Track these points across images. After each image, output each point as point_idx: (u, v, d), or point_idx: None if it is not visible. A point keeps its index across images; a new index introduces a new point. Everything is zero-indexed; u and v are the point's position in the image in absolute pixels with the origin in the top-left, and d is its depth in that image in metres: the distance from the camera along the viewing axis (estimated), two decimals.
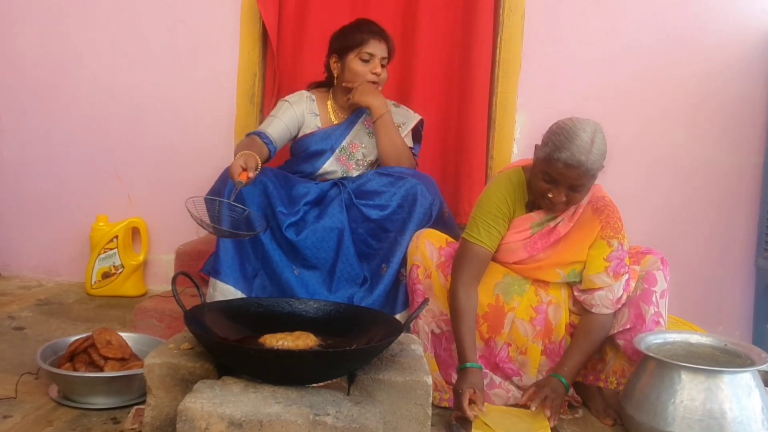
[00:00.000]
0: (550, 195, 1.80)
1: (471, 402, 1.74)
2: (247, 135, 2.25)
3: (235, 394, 1.32)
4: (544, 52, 2.83)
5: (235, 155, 2.02)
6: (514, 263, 1.97)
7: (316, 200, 2.22)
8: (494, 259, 1.98)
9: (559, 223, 1.92)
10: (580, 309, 1.94)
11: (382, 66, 2.31)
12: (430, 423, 1.46)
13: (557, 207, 1.86)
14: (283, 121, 2.29)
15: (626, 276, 1.89)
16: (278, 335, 1.52)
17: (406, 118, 2.42)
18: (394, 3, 2.88)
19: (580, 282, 1.92)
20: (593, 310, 1.89)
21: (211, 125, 2.96)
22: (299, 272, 2.14)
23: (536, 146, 1.85)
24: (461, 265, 1.91)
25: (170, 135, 2.99)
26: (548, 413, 1.78)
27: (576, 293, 1.94)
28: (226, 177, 2.13)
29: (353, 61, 2.29)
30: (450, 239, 2.05)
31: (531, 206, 1.95)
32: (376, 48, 2.28)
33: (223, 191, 2.13)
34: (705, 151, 2.84)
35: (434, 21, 2.85)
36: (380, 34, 2.30)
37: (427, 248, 2.00)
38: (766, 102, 2.80)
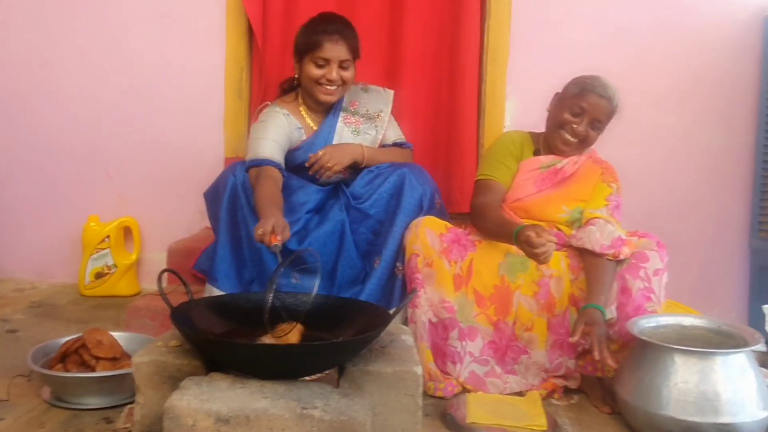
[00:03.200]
0: (575, 125, 2.04)
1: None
2: (257, 163, 2.09)
3: (223, 389, 1.31)
4: (532, 37, 2.80)
5: (257, 202, 1.94)
6: (525, 197, 2.10)
7: (316, 208, 2.17)
8: (505, 200, 2.12)
9: (564, 165, 2.10)
10: (580, 279, 1.97)
11: (344, 68, 2.17)
12: (421, 413, 1.45)
13: (572, 143, 2.07)
14: (278, 142, 2.16)
15: (619, 225, 2.00)
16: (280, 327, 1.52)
17: (382, 104, 2.33)
18: None
19: (579, 225, 2.05)
20: (579, 243, 1.98)
21: (199, 121, 2.94)
22: (299, 279, 2.10)
23: (557, 93, 2.13)
24: (477, 197, 2.11)
25: (159, 132, 2.97)
26: (596, 352, 1.76)
27: (573, 233, 2.04)
28: (225, 180, 2.11)
29: (308, 66, 2.16)
30: (450, 225, 2.05)
31: (537, 154, 2.16)
32: (331, 51, 2.13)
33: (222, 193, 2.10)
34: (697, 131, 2.82)
35: (421, 9, 2.81)
36: (338, 33, 2.14)
37: (428, 236, 1.98)
38: (757, 81, 2.77)
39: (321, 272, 1.70)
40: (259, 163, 2.10)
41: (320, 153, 2.12)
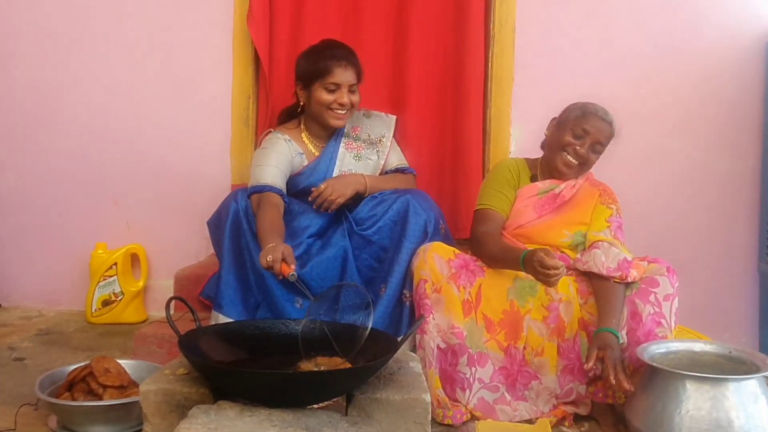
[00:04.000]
0: (577, 147, 2.05)
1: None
2: (259, 189, 2.12)
3: (231, 418, 1.30)
4: (536, 64, 2.84)
5: (259, 229, 1.96)
6: (526, 224, 2.10)
7: (318, 232, 2.18)
8: (506, 228, 2.12)
9: (562, 190, 2.11)
10: (589, 304, 1.96)
11: (352, 92, 2.20)
12: None
13: (573, 165, 2.08)
14: (280, 168, 2.19)
15: (624, 246, 2.00)
16: (319, 360, 1.52)
17: (384, 128, 2.35)
18: (385, 21, 2.89)
19: (583, 248, 2.05)
20: (585, 267, 1.98)
21: (206, 149, 2.97)
22: (302, 304, 2.11)
23: (555, 118, 2.15)
24: (477, 226, 2.10)
25: (167, 160, 3.00)
26: (611, 377, 1.74)
27: (578, 256, 2.04)
28: (227, 207, 2.12)
29: (318, 91, 2.18)
30: (457, 251, 2.04)
31: (534, 180, 2.17)
32: (341, 76, 2.17)
33: (225, 220, 2.11)
34: (702, 156, 2.83)
35: (425, 38, 2.85)
36: (346, 58, 2.19)
37: (436, 262, 1.98)
38: (761, 105, 2.79)
39: (372, 306, 1.65)
40: (261, 189, 2.12)
41: (322, 186, 2.12)
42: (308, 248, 2.13)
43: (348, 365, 1.51)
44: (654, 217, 2.82)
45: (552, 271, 1.77)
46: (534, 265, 1.81)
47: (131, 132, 3.01)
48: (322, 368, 1.48)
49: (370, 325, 1.59)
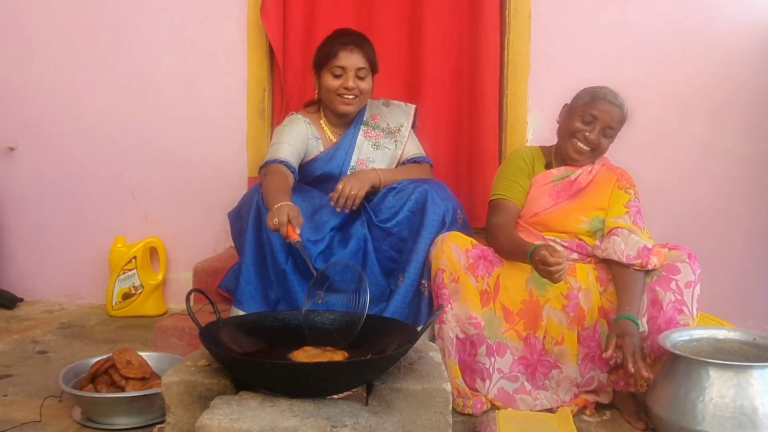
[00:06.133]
0: (587, 133, 2.03)
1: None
2: (266, 164, 2.17)
3: (252, 408, 1.31)
4: (553, 49, 2.80)
5: (265, 194, 1.97)
6: (542, 211, 2.08)
7: (340, 225, 2.18)
8: (522, 216, 2.11)
9: (578, 176, 2.09)
10: (609, 291, 1.95)
11: (360, 78, 2.20)
12: (451, 431, 1.44)
13: (585, 151, 2.06)
14: (294, 146, 2.21)
15: (644, 232, 1.98)
16: (309, 349, 1.52)
17: (403, 118, 2.35)
18: (400, 10, 2.88)
19: (601, 234, 2.03)
20: (604, 254, 1.96)
21: (223, 141, 2.98)
22: (324, 298, 2.11)
23: (566, 104, 2.13)
24: (491, 217, 2.10)
25: (184, 154, 3.02)
26: (630, 365, 1.73)
27: (597, 243, 2.02)
28: (250, 200, 2.11)
29: (325, 77, 2.20)
30: (475, 241, 2.04)
31: (549, 167, 2.15)
32: (347, 60, 2.17)
33: (247, 213, 2.11)
34: (724, 141, 2.78)
35: (440, 25, 2.83)
36: (354, 43, 2.18)
37: (454, 252, 1.97)
38: None
39: (366, 284, 1.68)
40: (268, 163, 2.16)
41: (339, 186, 2.09)
42: (330, 242, 2.13)
43: (343, 353, 1.51)
44: (675, 203, 2.79)
45: (554, 268, 1.76)
46: (537, 264, 1.81)
47: (148, 126, 3.03)
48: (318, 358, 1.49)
49: (366, 312, 1.61)
